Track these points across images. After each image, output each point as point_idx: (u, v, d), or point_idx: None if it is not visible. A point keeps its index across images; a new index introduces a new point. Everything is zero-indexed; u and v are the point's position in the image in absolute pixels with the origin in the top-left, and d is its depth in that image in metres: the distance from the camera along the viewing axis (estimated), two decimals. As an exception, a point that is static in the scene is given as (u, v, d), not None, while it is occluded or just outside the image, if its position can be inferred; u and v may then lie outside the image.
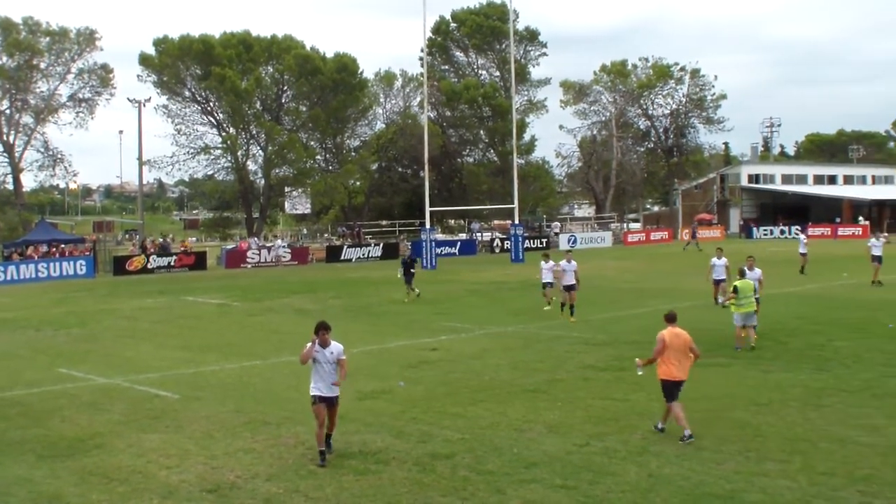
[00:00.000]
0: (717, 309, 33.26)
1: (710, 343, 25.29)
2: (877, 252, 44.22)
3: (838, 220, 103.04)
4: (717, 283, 35.68)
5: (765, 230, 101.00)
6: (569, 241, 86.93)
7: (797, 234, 55.94)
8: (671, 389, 17.25)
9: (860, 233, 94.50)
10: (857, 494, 13.58)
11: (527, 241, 78.87)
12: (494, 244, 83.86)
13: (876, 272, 43.82)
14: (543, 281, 37.30)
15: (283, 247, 74.99)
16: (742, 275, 28.34)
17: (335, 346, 16.15)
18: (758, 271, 30.46)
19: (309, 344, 16.18)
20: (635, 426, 17.75)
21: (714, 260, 35.85)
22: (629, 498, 13.58)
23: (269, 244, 76.01)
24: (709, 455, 15.73)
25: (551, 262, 37.40)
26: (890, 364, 23.76)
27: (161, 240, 76.15)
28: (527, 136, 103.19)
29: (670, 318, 17.96)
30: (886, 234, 45.18)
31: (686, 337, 17.58)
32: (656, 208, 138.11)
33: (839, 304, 37.04)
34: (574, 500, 13.49)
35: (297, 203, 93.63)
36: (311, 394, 16.09)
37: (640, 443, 16.58)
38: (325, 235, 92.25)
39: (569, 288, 33.51)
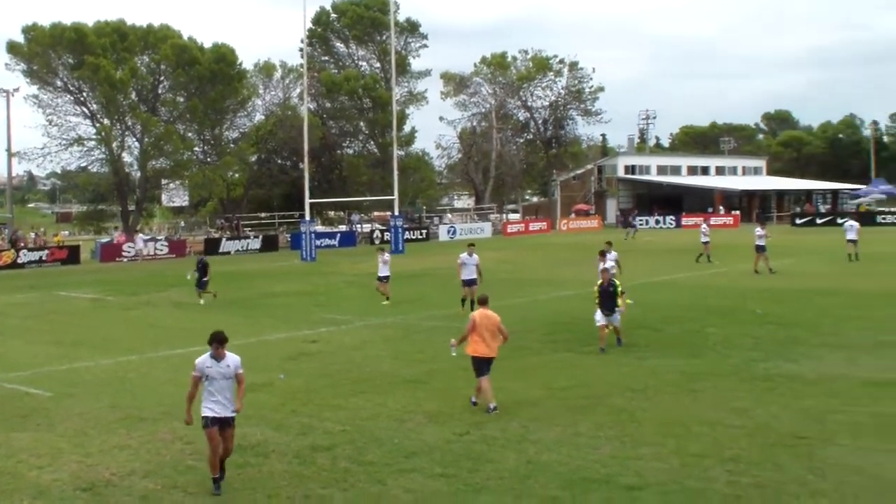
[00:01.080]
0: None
1: (585, 333, 25.74)
2: (761, 242, 45.18)
3: (710, 209, 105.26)
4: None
5: (641, 220, 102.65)
6: (448, 232, 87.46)
7: (701, 224, 57.23)
8: (480, 365, 18.33)
9: (731, 222, 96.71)
10: (725, 474, 14.01)
11: (407, 232, 79.11)
12: (374, 236, 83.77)
13: (758, 260, 44.83)
14: (380, 274, 36.81)
15: (146, 239, 73.89)
16: (603, 255, 30.39)
17: (232, 359, 14.10)
18: (614, 254, 31.87)
19: (194, 374, 14.08)
20: (514, 414, 17.94)
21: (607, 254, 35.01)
22: (508, 484, 13.77)
23: (146, 237, 75.01)
24: (586, 441, 16.03)
25: (387, 255, 37.24)
26: (758, 349, 24.49)
27: (34, 234, 74.38)
28: (407, 128, 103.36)
29: (482, 301, 19.39)
30: (765, 229, 46.35)
31: (496, 319, 18.58)
32: (535, 199, 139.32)
33: (711, 291, 37.94)
34: (454, 488, 13.63)
35: (175, 195, 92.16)
36: (203, 415, 13.95)
37: (519, 430, 16.80)
38: (204, 228, 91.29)
39: (469, 283, 32.46)
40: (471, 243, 34.56)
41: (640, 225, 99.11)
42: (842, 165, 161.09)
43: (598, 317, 24.85)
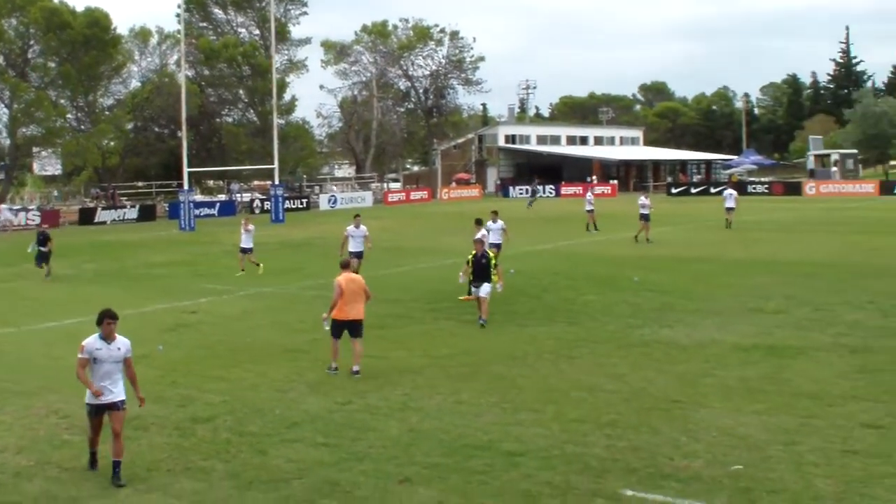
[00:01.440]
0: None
1: (467, 302, 25.96)
2: (645, 211, 45.93)
3: (589, 179, 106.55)
4: (494, 247, 33.02)
5: (520, 189, 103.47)
6: (329, 201, 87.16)
7: (587, 194, 58.07)
8: (341, 328, 19.11)
9: (610, 191, 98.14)
10: (603, 438, 14.38)
11: (287, 201, 78.70)
12: (254, 205, 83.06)
13: (641, 230, 45.63)
14: (242, 246, 36.29)
15: (15, 209, 71.93)
16: (478, 224, 30.57)
17: (122, 342, 13.10)
18: (501, 223, 32.07)
19: (81, 356, 12.93)
20: (396, 383, 18.12)
21: (490, 223, 33.80)
22: (391, 452, 13.90)
23: (14, 207, 73.07)
24: (467, 408, 16.27)
25: (251, 226, 36.63)
26: (635, 316, 25.06)
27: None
28: (287, 96, 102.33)
29: (344, 265, 20.04)
30: (648, 199, 47.29)
31: (360, 281, 19.50)
32: (416, 168, 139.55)
33: (590, 259, 38.62)
34: (337, 458, 13.70)
35: (47, 164, 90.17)
36: (87, 401, 13.06)
37: (401, 399, 16.96)
38: (78, 198, 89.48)
39: (357, 255, 31.29)
40: (356, 214, 34.16)
41: (521, 194, 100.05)
42: (715, 136, 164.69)
43: (472, 289, 24.46)
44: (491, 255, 24.54)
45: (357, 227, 32.19)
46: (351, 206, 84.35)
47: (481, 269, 23.95)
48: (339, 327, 19.13)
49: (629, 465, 13.16)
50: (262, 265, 35.59)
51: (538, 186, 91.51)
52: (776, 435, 14.49)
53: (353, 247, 31.77)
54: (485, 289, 23.82)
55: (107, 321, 12.99)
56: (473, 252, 24.54)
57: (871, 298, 27.29)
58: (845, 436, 14.43)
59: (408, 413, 16.05)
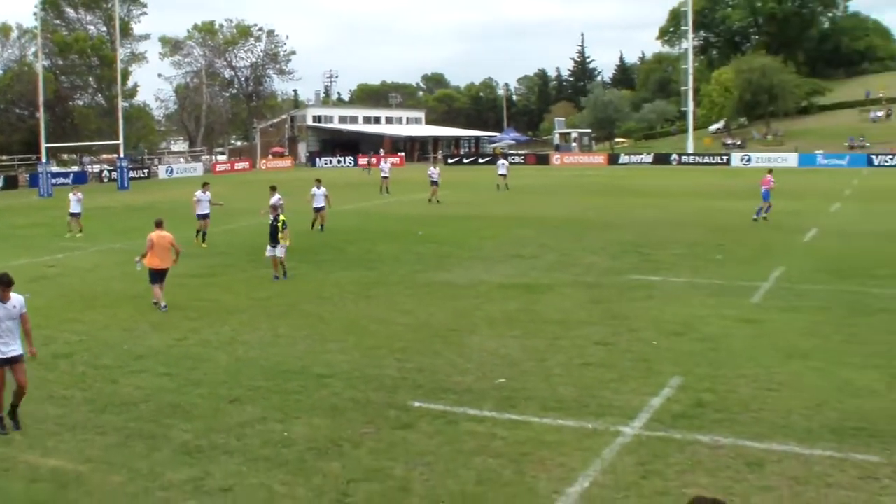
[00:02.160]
0: (306, 223, 33.78)
1: (294, 248, 25.72)
2: (434, 178, 46.27)
3: (381, 151, 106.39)
4: (318, 210, 33.12)
5: (326, 160, 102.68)
6: (166, 171, 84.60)
7: (501, 162, 58.51)
8: (155, 276, 19.23)
9: (398, 162, 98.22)
10: (395, 361, 14.55)
11: (131, 171, 76.15)
12: (103, 175, 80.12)
13: (433, 193, 45.78)
14: (71, 211, 34.23)
15: None
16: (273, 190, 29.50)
17: (17, 299, 11.83)
18: (324, 189, 31.99)
19: None
20: (224, 321, 17.85)
21: (314, 190, 33.36)
22: (222, 378, 13.75)
23: None
24: (284, 340, 16.20)
25: (80, 193, 34.80)
26: (420, 263, 25.31)
27: None
28: (130, 83, 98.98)
29: (158, 224, 19.82)
30: (437, 167, 47.80)
31: (169, 237, 19.49)
32: (239, 143, 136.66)
33: (383, 217, 38.72)
34: (177, 384, 13.49)
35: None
36: None
37: (229, 334, 16.73)
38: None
39: (203, 216, 30.30)
40: (205, 182, 32.94)
41: (326, 164, 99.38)
42: (482, 117, 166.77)
43: (268, 249, 23.01)
44: (281, 219, 22.74)
45: (204, 192, 30.95)
46: (185, 175, 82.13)
47: (273, 232, 22.70)
48: (154, 274, 19.24)
49: (416, 382, 13.39)
50: (83, 231, 34.08)
51: (372, 158, 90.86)
52: (530, 354, 14.97)
53: (200, 209, 30.64)
54: (279, 251, 22.62)
55: (1, 286, 11.64)
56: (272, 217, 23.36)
57: (602, 246, 28.33)
58: (582, 352, 15.03)
59: (235, 346, 15.88)
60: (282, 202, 27.19)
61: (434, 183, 45.99)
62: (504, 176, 55.90)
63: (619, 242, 29.06)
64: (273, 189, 29.97)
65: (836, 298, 19.62)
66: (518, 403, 12.31)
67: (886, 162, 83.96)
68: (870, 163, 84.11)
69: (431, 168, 48.24)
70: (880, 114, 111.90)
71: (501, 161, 60.58)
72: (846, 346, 15.47)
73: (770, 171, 38.75)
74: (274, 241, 22.71)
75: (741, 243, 28.64)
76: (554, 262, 25.37)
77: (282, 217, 22.91)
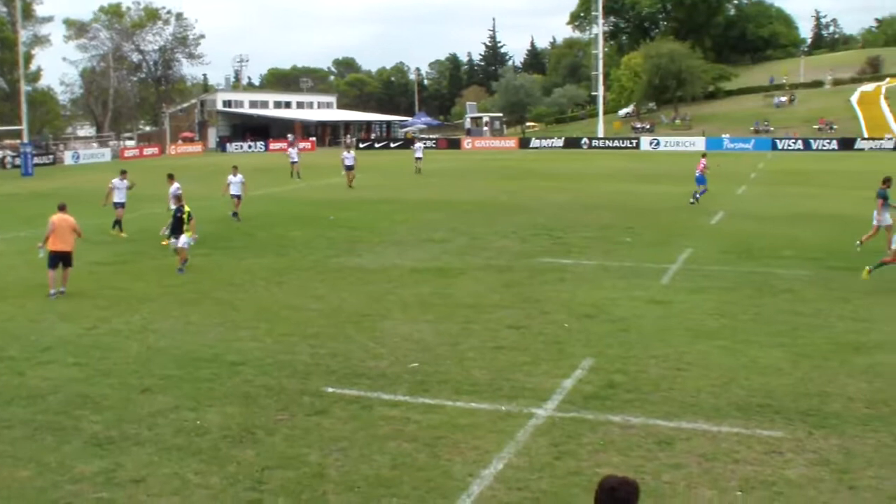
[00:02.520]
0: (217, 210, 33.23)
1: (205, 235, 25.28)
2: (349, 162, 45.79)
3: (291, 136, 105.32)
4: (235, 197, 32.03)
5: (237, 145, 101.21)
6: (73, 157, 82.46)
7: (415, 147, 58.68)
8: (55, 259, 18.92)
9: (310, 147, 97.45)
10: (308, 347, 14.44)
11: (35, 157, 73.98)
12: (6, 161, 77.53)
13: (350, 178, 45.26)
14: None
15: None
16: (171, 179, 28.64)
17: None
18: (240, 176, 31.33)
19: None
20: (135, 309, 17.47)
21: (230, 177, 32.36)
22: (132, 368, 13.44)
23: None
24: (195, 328, 15.93)
25: None
26: (331, 247, 25.14)
27: None
28: (34, 66, 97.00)
29: (61, 208, 19.71)
30: (352, 152, 47.30)
31: (71, 220, 19.36)
32: (148, 128, 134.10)
33: (294, 203, 38.37)
34: (86, 374, 13.14)
35: None
36: None
37: (140, 323, 16.39)
38: None
39: (119, 206, 29.18)
40: (123, 170, 31.92)
41: (237, 150, 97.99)
42: (393, 102, 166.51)
43: (172, 239, 22.26)
44: (186, 210, 21.89)
45: (122, 180, 29.85)
46: (92, 161, 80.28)
47: (177, 223, 21.87)
48: (54, 258, 18.90)
49: (329, 368, 13.30)
50: None
51: (296, 143, 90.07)
52: (443, 338, 14.99)
53: (117, 198, 29.47)
54: (181, 242, 21.65)
55: None
56: (175, 207, 22.61)
57: (513, 229, 28.52)
58: (494, 335, 15.12)
59: (146, 334, 15.55)
60: (180, 191, 25.90)
61: (349, 168, 45.61)
62: (420, 159, 56.95)
63: (531, 226, 29.29)
64: (171, 178, 28.92)
65: (743, 279, 20.09)
66: (432, 387, 12.32)
67: (789, 146, 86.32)
68: (774, 147, 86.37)
69: (345, 153, 47.87)
70: (783, 99, 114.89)
71: (418, 145, 61.70)
72: (752, 325, 15.86)
73: (704, 155, 39.83)
74: (178, 232, 21.81)
75: (650, 226, 29.12)
76: (466, 245, 25.46)
77: (186, 208, 22.05)
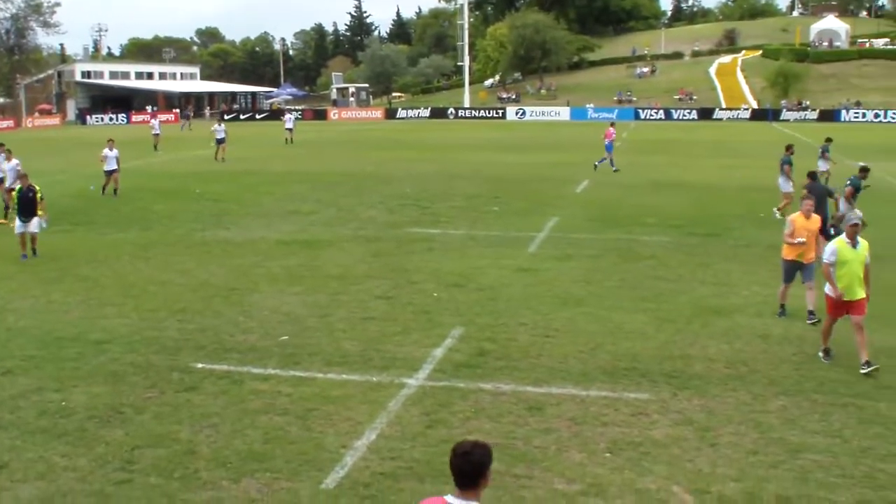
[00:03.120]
0: (74, 184, 32.05)
1: (65, 211, 24.38)
2: (220, 135, 44.22)
3: (154, 108, 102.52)
4: (109, 173, 30.19)
5: (97, 118, 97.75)
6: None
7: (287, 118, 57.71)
8: None
9: (173, 119, 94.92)
10: (176, 322, 14.10)
11: None
12: None
13: (220, 151, 43.83)
14: None
15: None
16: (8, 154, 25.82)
17: None
18: (116, 151, 29.97)
19: None
20: (-8, 288, 16.80)
21: (106, 151, 30.21)
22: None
23: None
24: (58, 307, 15.35)
25: None
26: (197, 221, 24.59)
27: None
28: None
29: None
30: (223, 125, 45.79)
31: None
32: (1, 100, 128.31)
33: (160, 175, 37.29)
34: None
35: None
36: None
37: (-2, 302, 15.78)
38: None
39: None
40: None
41: (97, 122, 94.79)
42: (258, 72, 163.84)
43: (18, 224, 19.74)
44: (37, 189, 19.81)
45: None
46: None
47: (28, 204, 19.53)
48: None
49: (199, 343, 13.04)
50: None
51: (189, 112, 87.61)
52: (313, 310, 14.88)
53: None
54: (34, 224, 19.59)
55: None
56: (19, 186, 20.23)
57: (381, 200, 28.47)
58: (364, 306, 15.09)
59: (5, 314, 14.88)
60: (20, 168, 23.81)
61: (220, 141, 44.18)
62: (291, 130, 57.25)
63: (398, 196, 29.29)
64: (8, 153, 26.17)
65: (608, 246, 20.56)
66: (302, 360, 12.22)
67: (651, 116, 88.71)
68: (637, 116, 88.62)
69: (216, 125, 46.50)
70: (646, 70, 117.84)
71: (288, 116, 62.05)
72: (617, 291, 16.26)
73: (612, 124, 40.55)
74: (28, 214, 19.56)
75: (517, 195, 29.48)
76: (333, 217, 25.28)
77: (37, 187, 20.02)
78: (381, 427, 9.89)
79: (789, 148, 25.82)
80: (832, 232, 19.29)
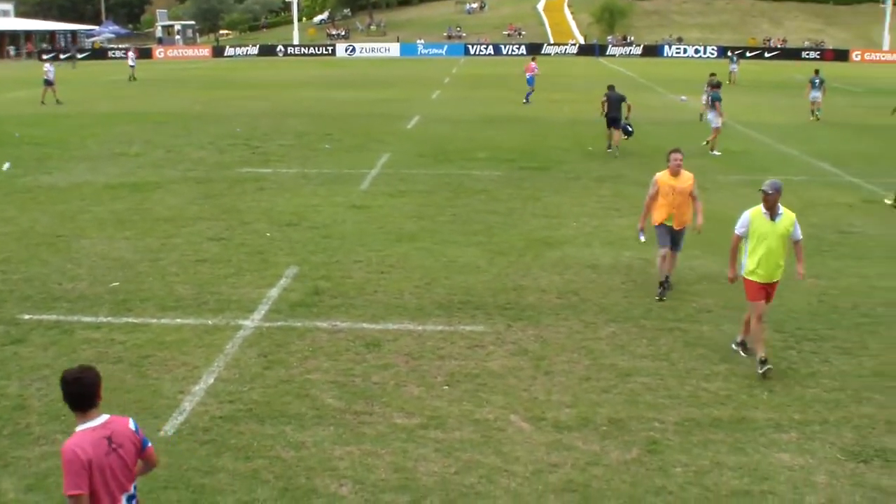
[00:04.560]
0: None
1: None
2: (50, 76, 41.26)
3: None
4: None
5: None
6: None
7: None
8: None
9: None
10: (0, 273, 13.43)
11: None
12: None
13: (46, 93, 40.87)
14: None
15: None
16: None
17: None
18: None
19: None
20: None
21: None
22: None
23: None
24: None
25: None
26: (18, 166, 22.88)
27: None
28: None
29: None
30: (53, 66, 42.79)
31: None
32: None
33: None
34: None
35: None
36: None
37: None
38: None
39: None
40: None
41: None
42: (78, 10, 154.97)
43: None
44: None
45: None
46: None
47: None
48: None
49: (24, 294, 12.38)
50: None
51: (76, 53, 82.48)
52: (144, 254, 14.38)
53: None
54: None
55: None
56: None
57: (210, 140, 27.68)
58: (196, 249, 14.70)
59: None
60: None
61: (48, 83, 41.42)
62: (133, 67, 57.49)
63: (228, 136, 28.53)
64: None
65: (440, 181, 20.67)
66: (135, 306, 11.81)
67: (481, 51, 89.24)
68: (466, 52, 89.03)
69: (47, 65, 43.58)
70: (475, 5, 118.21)
71: (130, 54, 63.25)
72: (450, 226, 16.39)
73: (534, 58, 40.75)
74: None
75: (348, 132, 29.21)
76: (161, 158, 24.41)
77: None
78: (219, 370, 9.70)
79: (718, 85, 27.16)
80: (629, 128, 25.20)
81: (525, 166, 22.93)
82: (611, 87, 25.61)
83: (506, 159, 23.93)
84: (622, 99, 24.95)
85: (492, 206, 18.07)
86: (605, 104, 25.06)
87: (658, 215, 12.23)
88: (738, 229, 9.87)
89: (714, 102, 25.85)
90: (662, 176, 12.19)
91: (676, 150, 12.10)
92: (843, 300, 12.24)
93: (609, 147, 25.31)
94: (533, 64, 39.58)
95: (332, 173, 21.84)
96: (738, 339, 10.38)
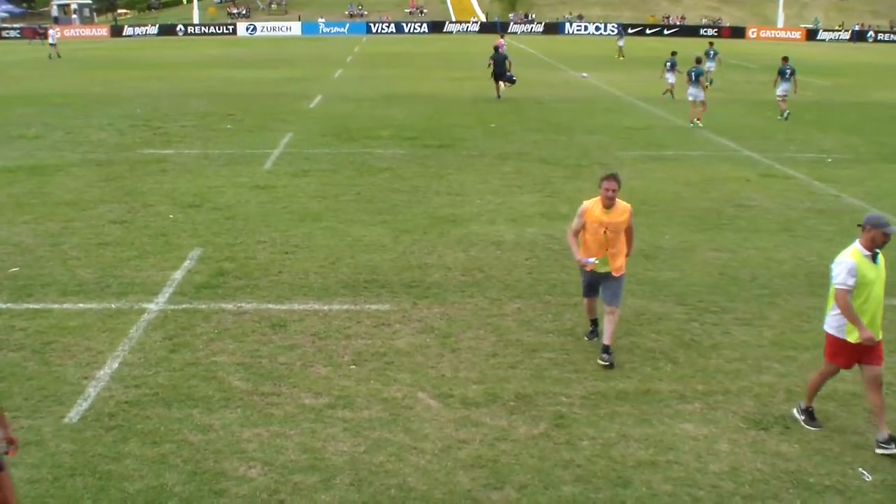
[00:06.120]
0: None
1: None
2: None
3: None
4: None
5: None
6: None
7: None
8: None
9: None
10: None
11: None
12: None
13: None
14: None
15: None
16: None
17: None
18: None
19: None
20: None
21: None
22: None
23: None
24: None
25: None
26: None
27: None
28: None
29: None
30: None
31: None
32: None
33: None
34: None
35: None
36: None
37: None
38: None
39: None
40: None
41: None
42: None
43: None
44: None
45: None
46: None
47: None
48: None
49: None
50: None
51: (43, 30, 79.14)
52: (44, 239, 13.89)
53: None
54: None
55: None
56: None
57: (110, 121, 26.90)
58: (98, 232, 14.27)
59: None
60: None
61: None
62: (54, 45, 56.43)
63: (128, 117, 27.76)
64: None
65: (343, 160, 20.48)
66: (35, 291, 11.40)
67: (383, 30, 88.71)
68: (369, 31, 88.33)
69: None
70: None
71: (51, 32, 61.46)
72: (354, 205, 16.25)
73: (502, 35, 40.53)
74: None
75: (251, 112, 28.72)
76: (60, 140, 23.61)
77: None
78: (124, 355, 9.44)
79: (699, 60, 28.61)
80: (513, 78, 32.54)
81: (428, 144, 22.88)
82: (496, 48, 33.11)
83: (409, 137, 23.84)
84: (505, 58, 32.87)
85: (396, 185, 17.98)
86: (492, 63, 32.86)
87: (584, 255, 9.33)
88: (849, 280, 7.38)
89: (698, 77, 26.87)
90: (592, 206, 9.21)
91: (611, 178, 9.04)
92: (743, 272, 12.51)
93: (498, 96, 32.69)
94: (502, 41, 39.01)
95: (235, 154, 21.45)
96: (802, 405, 8.19)
